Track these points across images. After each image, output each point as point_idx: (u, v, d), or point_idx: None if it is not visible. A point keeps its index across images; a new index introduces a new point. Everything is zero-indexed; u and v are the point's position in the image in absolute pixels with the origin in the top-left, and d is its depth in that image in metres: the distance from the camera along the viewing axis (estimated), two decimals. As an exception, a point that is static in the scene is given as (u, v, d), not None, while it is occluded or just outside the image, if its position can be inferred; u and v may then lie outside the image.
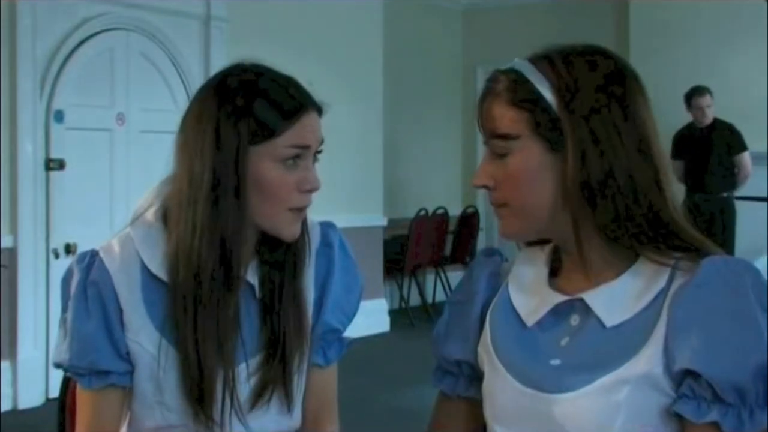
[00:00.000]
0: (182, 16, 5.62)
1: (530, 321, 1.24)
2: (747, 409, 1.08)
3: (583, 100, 1.17)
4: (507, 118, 1.20)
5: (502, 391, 1.23)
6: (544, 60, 1.21)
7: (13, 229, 4.86)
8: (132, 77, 5.34)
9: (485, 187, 1.24)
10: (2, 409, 4.73)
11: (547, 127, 1.18)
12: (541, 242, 1.30)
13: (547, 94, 1.18)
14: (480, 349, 1.29)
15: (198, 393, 1.39)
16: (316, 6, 6.52)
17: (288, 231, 1.41)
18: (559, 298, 1.22)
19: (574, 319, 1.21)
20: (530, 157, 1.19)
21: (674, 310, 1.13)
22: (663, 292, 1.16)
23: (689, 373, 1.10)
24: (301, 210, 1.41)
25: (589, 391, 1.14)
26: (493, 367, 1.25)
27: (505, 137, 1.19)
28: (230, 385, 1.40)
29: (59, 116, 4.99)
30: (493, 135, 1.21)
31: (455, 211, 8.34)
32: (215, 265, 1.37)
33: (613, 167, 1.16)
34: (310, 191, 1.40)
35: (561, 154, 1.17)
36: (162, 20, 5.49)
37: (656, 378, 1.12)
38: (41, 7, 4.89)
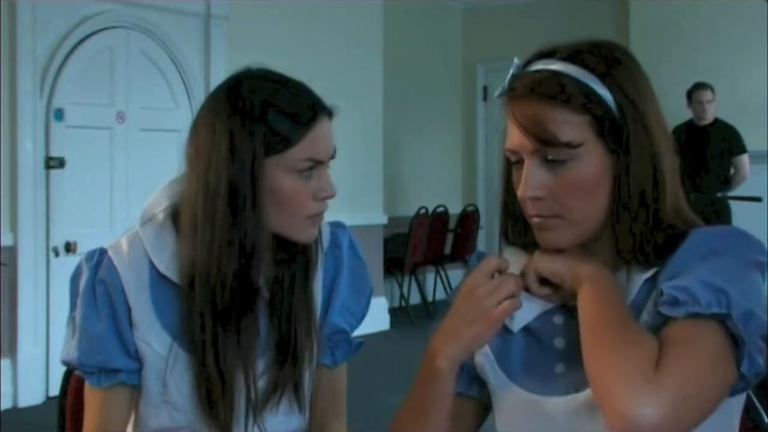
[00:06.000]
0: (182, 14, 5.62)
1: (516, 327, 1.23)
2: (701, 306, 1.04)
3: (636, 100, 1.14)
4: (569, 123, 1.12)
5: (510, 400, 1.21)
6: (578, 57, 1.15)
7: (14, 228, 4.85)
8: (132, 75, 5.34)
9: (536, 198, 1.15)
10: (2, 407, 4.74)
11: (608, 128, 1.13)
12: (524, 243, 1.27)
13: (604, 92, 1.13)
14: (482, 358, 1.26)
15: (216, 400, 1.39)
16: (316, 5, 6.52)
17: (304, 236, 1.42)
18: (545, 304, 1.22)
19: (558, 319, 1.21)
20: (593, 161, 1.13)
21: (661, 275, 1.12)
22: (650, 279, 1.15)
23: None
24: (317, 216, 1.41)
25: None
26: (497, 376, 1.24)
27: (568, 145, 1.12)
28: (252, 393, 1.41)
29: (59, 114, 4.99)
30: (551, 143, 1.12)
31: (455, 209, 8.34)
32: (235, 277, 1.36)
33: (665, 172, 1.15)
34: (326, 199, 1.40)
35: (617, 155, 1.13)
36: (162, 18, 5.49)
37: None
38: (41, 5, 4.89)
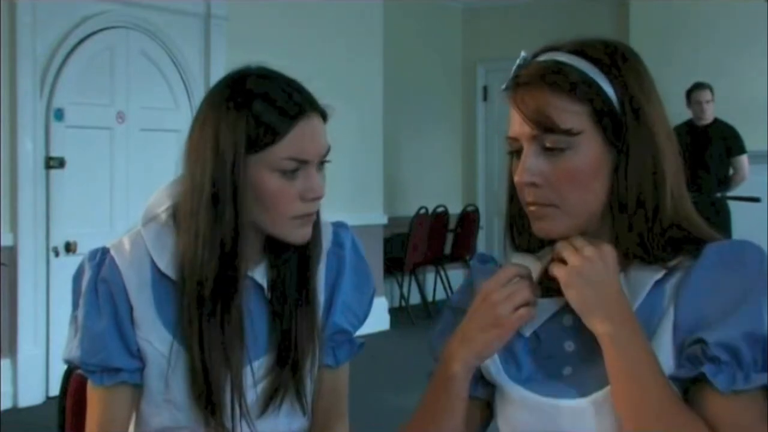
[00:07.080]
0: (182, 14, 5.62)
1: (527, 331, 1.22)
2: (741, 370, 1.06)
3: (639, 98, 1.14)
4: (569, 111, 1.12)
5: (514, 401, 1.21)
6: (585, 51, 1.16)
7: (14, 228, 4.86)
8: (132, 75, 5.34)
9: (532, 184, 1.15)
10: (2, 407, 4.74)
11: (607, 121, 1.13)
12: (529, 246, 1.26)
13: (608, 87, 1.14)
14: (487, 361, 1.25)
15: (207, 399, 1.39)
16: (316, 4, 6.52)
17: (295, 236, 1.40)
18: (555, 305, 1.21)
19: (567, 320, 1.20)
20: (591, 152, 1.13)
21: (680, 294, 1.12)
22: (660, 283, 1.14)
23: (690, 345, 1.10)
24: (306, 216, 1.40)
25: (606, 392, 1.11)
26: (501, 378, 1.23)
27: (567, 132, 1.12)
28: (238, 391, 1.40)
29: (59, 114, 4.99)
30: (550, 129, 1.13)
31: (455, 209, 8.34)
32: (216, 271, 1.37)
33: (666, 172, 1.14)
34: (314, 200, 1.39)
35: (617, 148, 1.14)
36: (162, 18, 5.50)
37: (669, 370, 1.10)
38: (41, 5, 4.89)
